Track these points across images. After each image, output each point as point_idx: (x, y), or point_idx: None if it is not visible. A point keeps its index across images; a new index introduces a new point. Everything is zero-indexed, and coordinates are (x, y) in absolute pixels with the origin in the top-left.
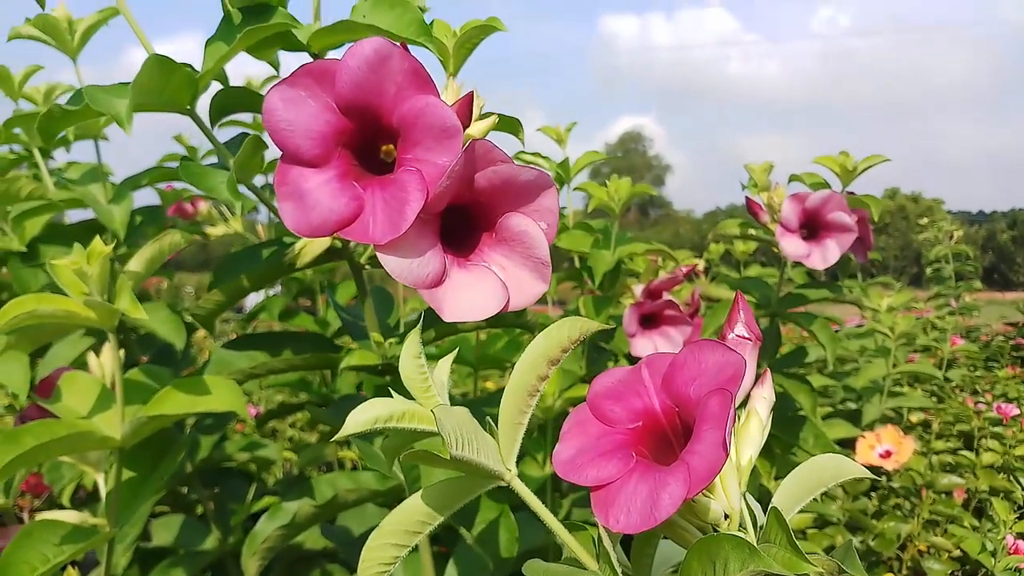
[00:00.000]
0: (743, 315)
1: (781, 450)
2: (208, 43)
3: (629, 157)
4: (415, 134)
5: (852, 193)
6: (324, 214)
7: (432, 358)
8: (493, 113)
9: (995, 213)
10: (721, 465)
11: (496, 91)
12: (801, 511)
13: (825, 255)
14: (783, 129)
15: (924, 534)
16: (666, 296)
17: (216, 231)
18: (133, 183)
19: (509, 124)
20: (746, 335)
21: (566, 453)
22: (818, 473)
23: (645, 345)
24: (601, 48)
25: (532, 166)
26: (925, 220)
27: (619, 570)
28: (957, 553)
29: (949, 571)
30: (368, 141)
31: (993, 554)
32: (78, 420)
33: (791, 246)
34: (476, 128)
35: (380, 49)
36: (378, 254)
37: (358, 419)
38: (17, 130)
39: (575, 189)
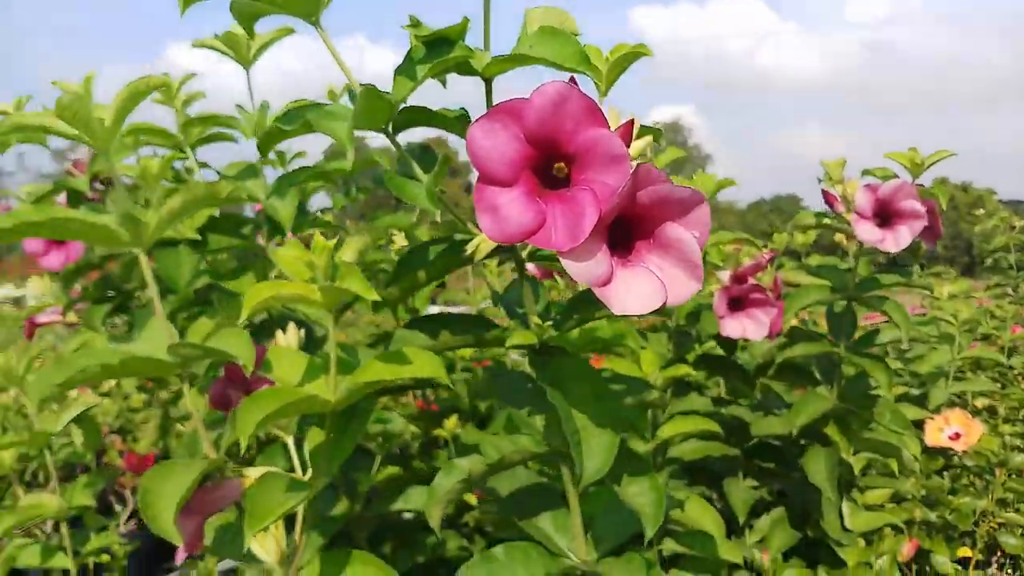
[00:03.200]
0: None
1: (858, 426)
2: (397, 73)
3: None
4: (588, 159)
5: (921, 185)
6: (515, 225)
7: (571, 341)
8: (646, 130)
9: None
10: None
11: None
12: (878, 487)
13: (897, 240)
14: (822, 119)
15: (998, 511)
16: (751, 280)
17: None
18: (290, 180)
19: (653, 133)
20: None
21: None
22: None
23: (734, 326)
24: (636, 39)
25: (687, 186)
26: (981, 211)
27: None
28: None
29: None
30: (545, 163)
31: None
32: (299, 388)
33: (866, 232)
34: (634, 147)
35: (561, 91)
36: (560, 259)
37: None
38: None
39: None
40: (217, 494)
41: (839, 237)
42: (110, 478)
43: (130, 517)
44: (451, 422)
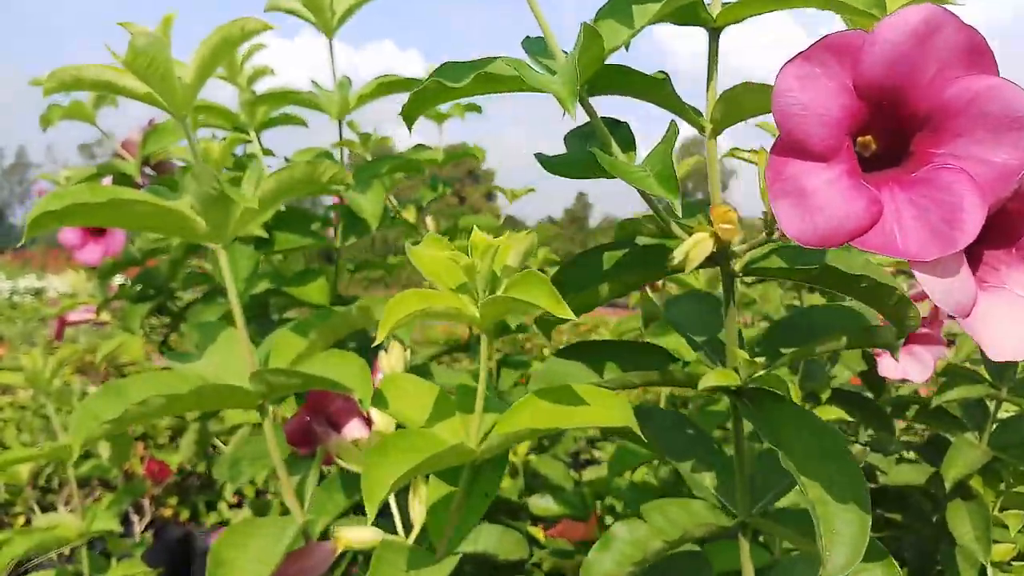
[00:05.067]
0: None
1: (1014, 479)
2: (601, 16)
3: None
4: (960, 123)
5: None
6: (838, 219)
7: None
8: None
9: None
10: None
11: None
12: (1000, 542)
13: None
14: None
15: None
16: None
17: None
18: (373, 171)
19: None
20: None
21: None
22: None
23: (894, 366)
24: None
25: None
26: None
27: None
28: None
29: None
30: (871, 127)
31: None
32: (431, 431)
33: None
34: None
35: (931, 19)
36: (916, 272)
37: None
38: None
39: None
40: (304, 565)
41: None
42: (136, 495)
43: (145, 528)
44: (522, 447)
